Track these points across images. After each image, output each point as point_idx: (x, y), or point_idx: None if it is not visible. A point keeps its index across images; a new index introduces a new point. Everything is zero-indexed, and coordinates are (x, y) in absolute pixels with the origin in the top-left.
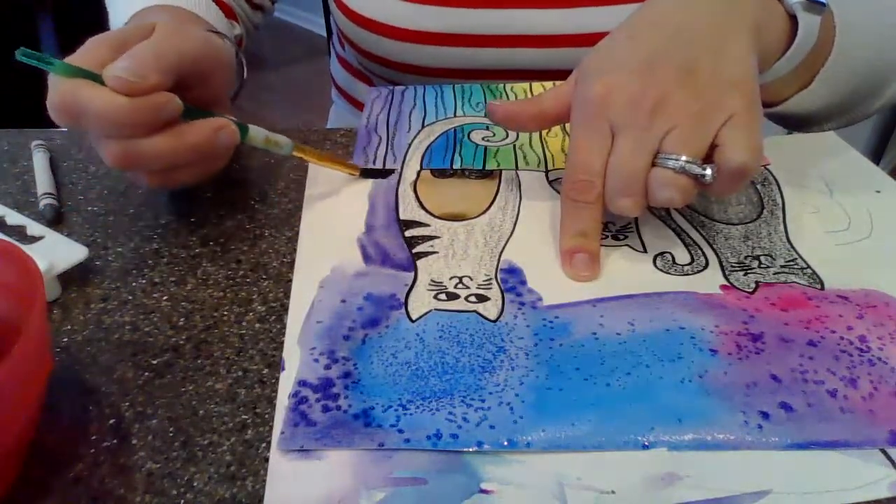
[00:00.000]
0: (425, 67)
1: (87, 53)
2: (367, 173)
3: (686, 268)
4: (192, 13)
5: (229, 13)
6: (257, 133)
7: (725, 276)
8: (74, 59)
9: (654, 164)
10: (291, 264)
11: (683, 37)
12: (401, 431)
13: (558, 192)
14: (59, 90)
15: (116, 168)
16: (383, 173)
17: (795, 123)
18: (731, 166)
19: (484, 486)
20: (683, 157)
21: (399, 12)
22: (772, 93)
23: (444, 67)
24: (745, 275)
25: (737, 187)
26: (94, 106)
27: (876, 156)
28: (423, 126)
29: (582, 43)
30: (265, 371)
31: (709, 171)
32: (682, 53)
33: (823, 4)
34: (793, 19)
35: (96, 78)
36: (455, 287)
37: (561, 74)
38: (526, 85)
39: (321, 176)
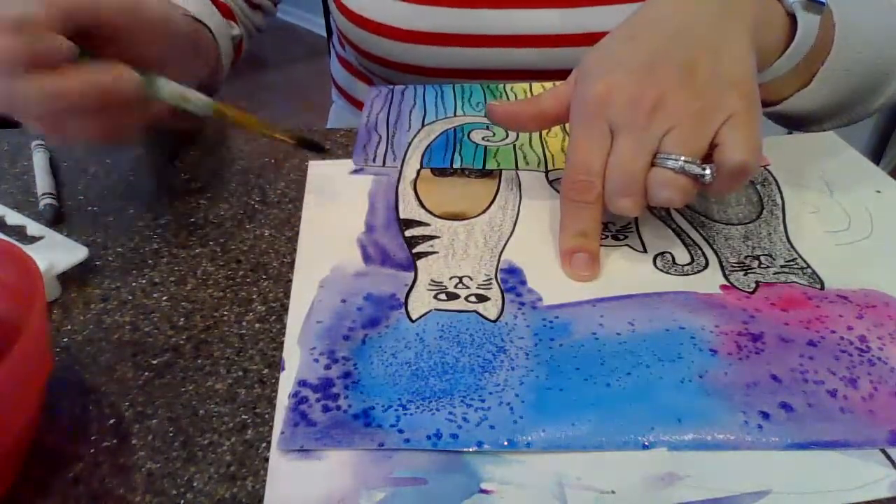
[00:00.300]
0: (425, 67)
1: None
2: (302, 143)
3: (686, 268)
4: None
5: (227, 13)
6: (170, 88)
7: (725, 276)
8: None
9: (653, 164)
10: (291, 264)
11: (683, 36)
12: (401, 431)
13: (558, 192)
14: None
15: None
16: (318, 146)
17: (795, 122)
18: (731, 166)
19: (484, 486)
20: (683, 157)
21: (397, 12)
22: (772, 92)
23: (444, 67)
24: (745, 275)
25: (736, 187)
26: None
27: (876, 156)
28: (423, 125)
29: (582, 43)
30: (265, 371)
31: (708, 171)
32: (681, 53)
33: (823, 3)
34: (792, 18)
35: None
36: (455, 287)
37: (561, 74)
38: (526, 85)
39: (321, 176)
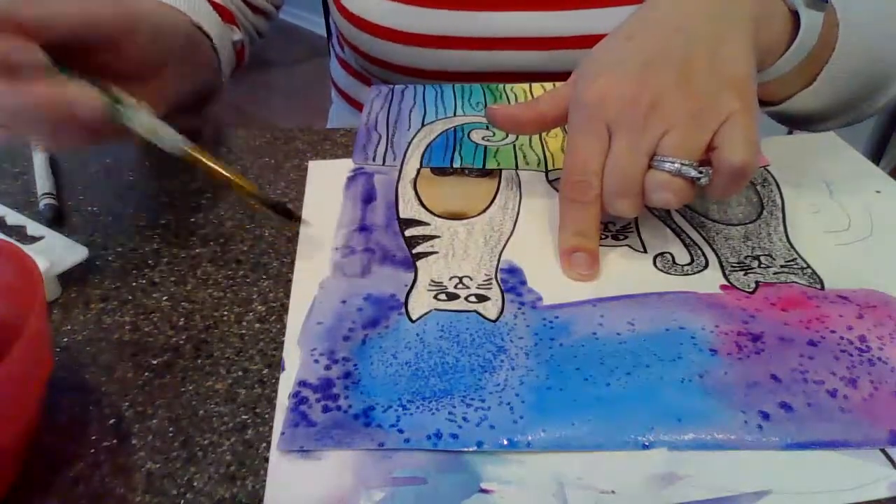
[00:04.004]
0: (424, 70)
1: None
2: (275, 209)
3: (686, 268)
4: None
5: (228, 17)
6: (141, 120)
7: (725, 276)
8: None
9: (650, 166)
10: (291, 264)
11: (680, 37)
12: (401, 431)
13: (558, 192)
14: None
15: None
16: (289, 214)
17: (798, 122)
18: (729, 168)
19: (484, 485)
20: (679, 160)
21: (397, 14)
22: (774, 91)
23: (444, 70)
24: (745, 275)
25: (736, 188)
26: None
27: (876, 156)
28: (422, 125)
29: (582, 45)
30: (265, 371)
31: (704, 174)
32: (678, 54)
33: (825, 0)
34: (795, 16)
35: None
36: (455, 287)
37: (561, 76)
38: (526, 85)
39: (321, 175)
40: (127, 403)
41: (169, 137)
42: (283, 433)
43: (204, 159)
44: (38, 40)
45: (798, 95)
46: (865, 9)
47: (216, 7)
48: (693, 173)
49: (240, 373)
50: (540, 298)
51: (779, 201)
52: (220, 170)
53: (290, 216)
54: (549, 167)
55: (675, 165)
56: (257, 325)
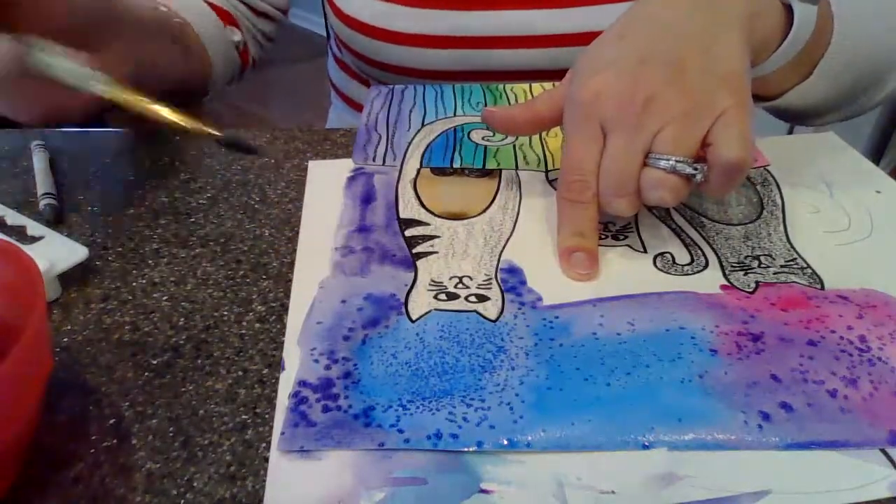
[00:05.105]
0: (421, 70)
1: None
2: (230, 144)
3: (686, 268)
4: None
5: (227, 18)
6: (58, 62)
7: (725, 276)
8: None
9: (645, 164)
10: (291, 264)
11: (673, 34)
12: (401, 431)
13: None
14: None
15: None
16: (244, 147)
17: (796, 117)
18: (724, 164)
19: (484, 485)
20: (674, 158)
21: (393, 16)
22: (771, 86)
23: (441, 70)
24: (745, 275)
25: (732, 185)
26: None
27: (876, 156)
28: (422, 125)
29: (578, 42)
30: (265, 371)
31: (699, 171)
32: (671, 51)
33: None
34: (788, 10)
35: None
36: (455, 287)
37: (559, 75)
38: (526, 85)
39: (321, 175)
40: (127, 403)
41: (81, 75)
42: (282, 433)
43: (129, 97)
44: None
45: (795, 89)
46: (860, 1)
47: (214, 9)
48: (688, 170)
49: (240, 373)
50: (540, 298)
51: (779, 201)
52: (152, 107)
53: (247, 150)
54: (549, 167)
55: (670, 163)
56: (257, 325)
